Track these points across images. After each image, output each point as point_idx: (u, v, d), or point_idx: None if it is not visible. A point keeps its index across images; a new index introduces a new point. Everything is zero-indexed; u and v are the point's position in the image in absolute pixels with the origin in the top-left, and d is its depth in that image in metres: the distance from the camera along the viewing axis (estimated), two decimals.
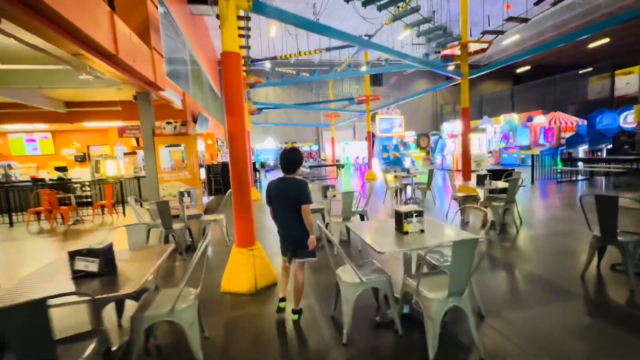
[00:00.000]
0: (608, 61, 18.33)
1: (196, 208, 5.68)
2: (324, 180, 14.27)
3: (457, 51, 7.79)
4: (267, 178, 16.37)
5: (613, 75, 17.65)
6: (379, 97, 14.14)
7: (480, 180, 5.48)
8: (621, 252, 3.05)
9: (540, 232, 5.01)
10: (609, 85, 17.92)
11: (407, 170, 8.19)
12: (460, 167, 16.28)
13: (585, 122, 16.96)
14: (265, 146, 23.53)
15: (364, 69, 12.43)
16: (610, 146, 14.01)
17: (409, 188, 8.12)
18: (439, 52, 8.15)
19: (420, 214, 2.61)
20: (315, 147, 26.11)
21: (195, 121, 8.72)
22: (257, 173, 13.04)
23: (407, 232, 2.58)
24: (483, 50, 7.88)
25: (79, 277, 1.98)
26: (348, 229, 5.08)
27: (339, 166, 15.43)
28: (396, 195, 8.43)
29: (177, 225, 4.53)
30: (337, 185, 12.35)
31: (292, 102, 18.94)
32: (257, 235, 3.64)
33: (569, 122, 17.25)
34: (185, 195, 4.89)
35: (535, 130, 17.96)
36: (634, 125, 14.25)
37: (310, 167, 14.91)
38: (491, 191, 5.53)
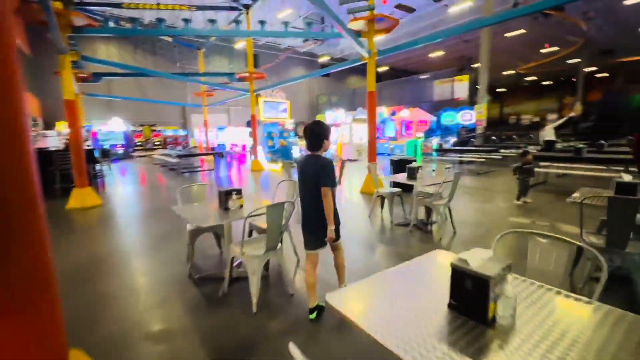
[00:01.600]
0: (450, 69, 22.13)
1: None
2: (195, 172, 11.48)
3: (364, 27, 6.86)
4: (113, 170, 12.11)
5: (453, 80, 21.41)
6: (264, 75, 12.28)
7: (412, 173, 4.63)
8: (629, 269, 2.51)
9: (475, 231, 4.54)
10: (450, 89, 21.67)
11: None
12: (346, 157, 16.46)
13: (436, 118, 20.00)
14: (109, 128, 17.86)
15: (257, 29, 10.25)
16: (455, 139, 16.79)
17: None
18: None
19: (508, 269, 1.17)
20: (182, 132, 21.91)
21: None
22: (97, 165, 9.15)
23: (493, 321, 1.11)
24: (387, 30, 7.23)
25: None
26: (268, 262, 3.27)
27: (219, 155, 12.83)
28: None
29: None
30: (213, 179, 9.97)
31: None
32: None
33: (424, 117, 19.99)
34: None
35: (400, 123, 20.09)
36: (471, 121, 17.47)
37: (179, 156, 11.75)
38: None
